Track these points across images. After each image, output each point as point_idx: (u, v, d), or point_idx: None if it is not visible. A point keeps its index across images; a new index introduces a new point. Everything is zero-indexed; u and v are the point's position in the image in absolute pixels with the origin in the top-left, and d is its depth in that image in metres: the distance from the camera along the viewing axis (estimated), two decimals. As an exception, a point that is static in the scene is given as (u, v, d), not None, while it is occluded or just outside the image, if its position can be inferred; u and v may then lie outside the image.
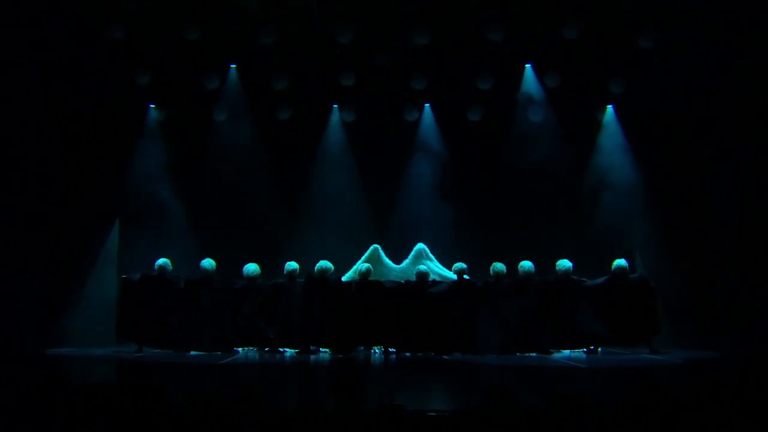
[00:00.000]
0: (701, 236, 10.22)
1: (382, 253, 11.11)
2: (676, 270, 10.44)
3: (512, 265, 10.15)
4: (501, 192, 11.75)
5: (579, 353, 9.95)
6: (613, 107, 11.64)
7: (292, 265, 10.26)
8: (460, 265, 10.29)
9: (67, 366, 8.66)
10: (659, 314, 9.83)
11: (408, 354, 9.91)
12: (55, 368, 8.28)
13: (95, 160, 10.78)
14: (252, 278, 10.22)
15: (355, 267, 10.83)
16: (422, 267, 10.44)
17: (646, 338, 9.82)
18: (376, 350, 10.14)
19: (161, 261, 10.17)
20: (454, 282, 10.25)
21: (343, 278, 10.55)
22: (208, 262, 10.23)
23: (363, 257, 11.01)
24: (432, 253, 11.17)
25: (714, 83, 9.73)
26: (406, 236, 11.47)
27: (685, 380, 7.31)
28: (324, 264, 10.16)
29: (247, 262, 10.30)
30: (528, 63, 11.40)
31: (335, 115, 12.07)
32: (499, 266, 10.16)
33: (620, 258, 10.14)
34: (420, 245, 11.19)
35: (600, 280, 10.07)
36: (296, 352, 9.97)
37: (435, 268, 10.90)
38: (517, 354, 9.72)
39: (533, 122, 11.54)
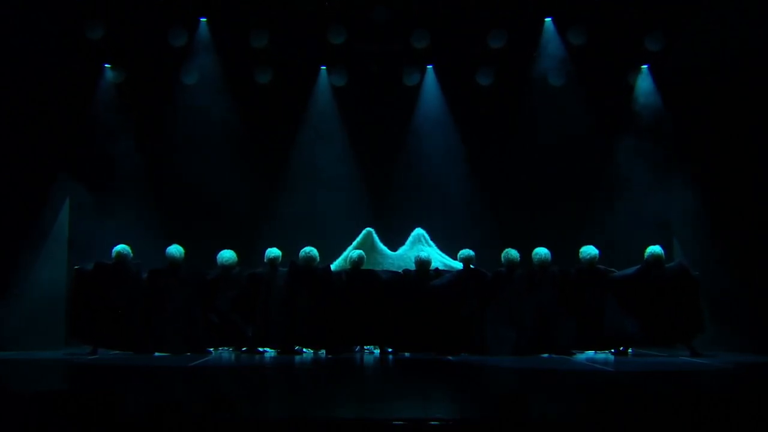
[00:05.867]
0: (753, 220, 10.21)
1: (377, 238, 11.11)
2: (722, 259, 10.44)
3: (527, 253, 10.17)
4: (514, 167, 11.75)
5: (606, 355, 10.01)
6: (648, 68, 11.60)
7: (273, 252, 10.27)
8: (467, 252, 10.30)
9: (8, 372, 8.65)
10: (702, 309, 9.84)
11: (407, 354, 9.96)
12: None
13: (40, 129, 10.71)
14: (227, 267, 10.23)
15: (345, 254, 10.84)
16: (423, 254, 10.44)
17: (685, 338, 9.83)
18: (371, 350, 10.19)
19: (120, 247, 10.12)
20: (460, 272, 10.26)
21: (332, 267, 10.57)
22: (175, 249, 10.21)
23: (354, 242, 11.00)
24: (434, 238, 11.16)
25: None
26: (404, 219, 11.48)
27: (737, 389, 7.30)
28: (310, 251, 10.16)
29: (222, 249, 10.32)
30: (548, 16, 11.34)
31: (323, 78, 12.03)
32: (512, 254, 10.17)
33: (655, 244, 10.15)
34: (418, 230, 11.19)
35: (631, 270, 10.06)
36: (278, 353, 10.01)
37: (436, 255, 10.91)
38: (534, 355, 9.76)
39: (553, 86, 11.51)
